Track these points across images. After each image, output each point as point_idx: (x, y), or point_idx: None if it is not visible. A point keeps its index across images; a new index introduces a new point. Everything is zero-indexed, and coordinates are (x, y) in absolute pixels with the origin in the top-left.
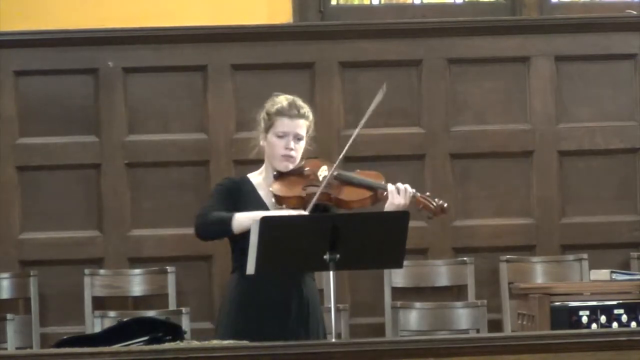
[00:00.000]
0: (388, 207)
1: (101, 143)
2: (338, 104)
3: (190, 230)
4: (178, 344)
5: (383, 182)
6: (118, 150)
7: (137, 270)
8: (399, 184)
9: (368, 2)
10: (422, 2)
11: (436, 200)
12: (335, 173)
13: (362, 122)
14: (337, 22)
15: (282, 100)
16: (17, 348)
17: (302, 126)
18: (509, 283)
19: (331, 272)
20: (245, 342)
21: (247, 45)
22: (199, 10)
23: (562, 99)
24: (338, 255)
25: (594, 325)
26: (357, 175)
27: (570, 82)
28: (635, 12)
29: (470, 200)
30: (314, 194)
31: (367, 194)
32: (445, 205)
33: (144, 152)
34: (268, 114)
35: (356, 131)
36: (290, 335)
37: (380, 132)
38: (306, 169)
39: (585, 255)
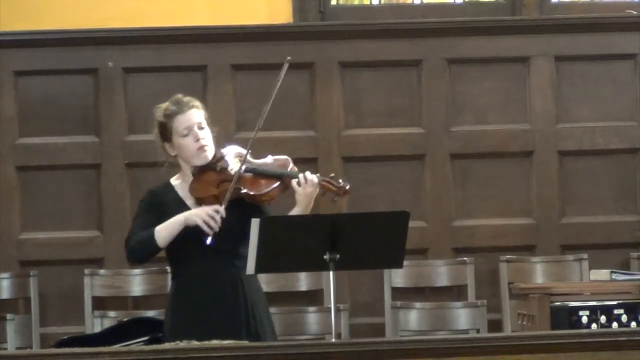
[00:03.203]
0: (299, 196)
1: (101, 143)
2: (338, 104)
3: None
4: (178, 344)
5: (290, 168)
6: (118, 150)
7: (137, 270)
8: (304, 174)
9: (368, 2)
10: (422, 2)
11: (340, 181)
12: (244, 166)
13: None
14: (337, 22)
15: (164, 105)
16: (17, 348)
17: (198, 115)
18: (509, 283)
19: (331, 272)
20: (245, 342)
21: (247, 45)
22: (199, 10)
23: (562, 99)
24: (338, 255)
25: (594, 325)
26: (265, 165)
27: (570, 82)
28: (635, 12)
29: (470, 200)
30: (226, 190)
31: (274, 183)
32: (348, 187)
33: (144, 152)
34: (161, 123)
35: (264, 114)
36: (224, 333)
37: (380, 132)
38: (219, 163)
39: (585, 255)
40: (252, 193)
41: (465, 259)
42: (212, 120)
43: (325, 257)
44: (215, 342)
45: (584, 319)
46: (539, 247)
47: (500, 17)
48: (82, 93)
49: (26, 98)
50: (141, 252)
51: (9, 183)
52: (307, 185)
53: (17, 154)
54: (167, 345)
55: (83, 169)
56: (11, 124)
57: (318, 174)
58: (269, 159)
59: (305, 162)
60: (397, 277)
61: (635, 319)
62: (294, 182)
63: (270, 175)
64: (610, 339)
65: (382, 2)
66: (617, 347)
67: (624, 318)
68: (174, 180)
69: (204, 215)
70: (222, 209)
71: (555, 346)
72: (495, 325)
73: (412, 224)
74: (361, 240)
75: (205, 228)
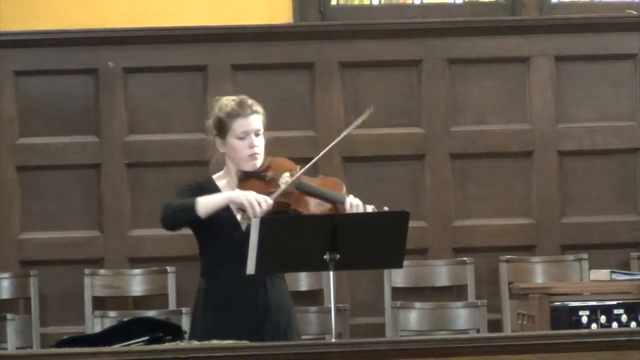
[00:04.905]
0: None
1: (101, 143)
2: (338, 104)
3: (190, 231)
4: (178, 344)
5: (343, 192)
6: (118, 150)
7: (137, 270)
8: (353, 200)
9: (368, 2)
10: (422, 2)
11: None
12: (296, 182)
13: (341, 137)
14: (337, 22)
15: (229, 102)
16: (17, 348)
17: (258, 121)
18: (509, 283)
19: (331, 272)
20: (245, 342)
21: (247, 45)
22: (199, 10)
23: (562, 99)
24: (338, 255)
25: (593, 325)
26: (318, 186)
27: (570, 82)
28: (635, 12)
29: (470, 200)
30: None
31: (327, 207)
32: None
33: (144, 152)
34: (220, 119)
35: (333, 143)
36: (252, 335)
37: (380, 132)
38: (269, 173)
39: (585, 255)
40: (303, 212)
41: (465, 259)
42: (266, 127)
43: (325, 257)
44: (215, 342)
45: (584, 319)
46: (539, 247)
47: (500, 17)
48: (82, 93)
49: (26, 98)
50: (178, 216)
51: (9, 183)
52: (355, 211)
53: (17, 154)
54: (167, 345)
55: (83, 169)
56: (11, 124)
57: (373, 206)
58: (320, 178)
59: (305, 162)
60: (397, 277)
61: (635, 319)
62: (346, 207)
63: (323, 197)
64: (610, 339)
65: (382, 2)
66: (617, 347)
67: (624, 318)
68: (217, 177)
69: (251, 198)
70: (270, 200)
71: (555, 346)
72: (495, 325)
73: (412, 224)
74: (361, 240)
75: (249, 209)
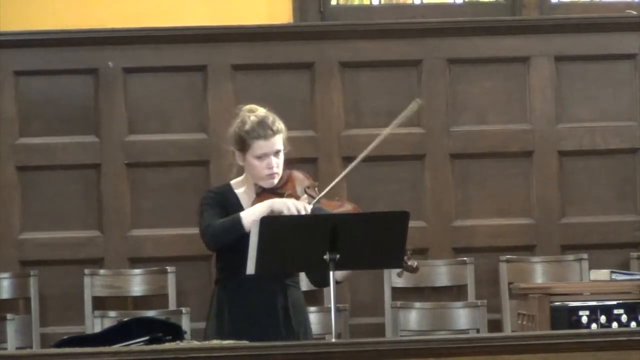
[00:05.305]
0: None
1: (101, 143)
2: (338, 104)
3: (191, 230)
4: (178, 344)
5: None
6: (118, 150)
7: (137, 270)
8: None
9: (368, 2)
10: (422, 2)
11: (413, 262)
12: (313, 206)
13: (374, 143)
14: (337, 22)
15: (252, 120)
16: (17, 348)
17: (279, 142)
18: (509, 283)
19: (331, 272)
20: (245, 342)
21: (247, 45)
22: (199, 10)
23: (562, 99)
24: (338, 255)
25: (593, 325)
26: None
27: (570, 82)
28: (635, 12)
29: (470, 200)
30: None
31: None
32: (416, 265)
33: (144, 152)
34: (241, 137)
35: (364, 153)
36: (271, 339)
37: (380, 132)
38: (287, 191)
39: (585, 255)
40: None
41: (465, 259)
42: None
43: (325, 257)
44: (215, 342)
45: (584, 319)
46: (539, 247)
47: (500, 17)
48: (82, 93)
49: (26, 98)
50: (227, 235)
51: (9, 183)
52: None
53: (17, 154)
54: (167, 345)
55: (83, 169)
56: (11, 124)
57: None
58: (336, 201)
59: (305, 162)
60: (397, 277)
61: (635, 319)
62: None
63: None
64: (610, 339)
65: (382, 2)
66: (617, 347)
67: (624, 318)
68: (235, 184)
69: (291, 206)
70: (310, 208)
71: (555, 346)
72: (495, 325)
73: (412, 224)
74: (361, 240)
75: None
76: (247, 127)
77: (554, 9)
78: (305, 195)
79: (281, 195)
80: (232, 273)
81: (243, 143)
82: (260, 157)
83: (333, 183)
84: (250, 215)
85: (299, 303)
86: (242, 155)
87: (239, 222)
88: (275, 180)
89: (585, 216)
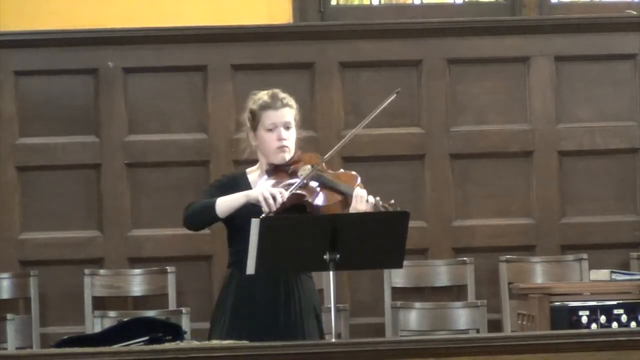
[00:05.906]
0: (351, 210)
1: (101, 143)
2: (338, 104)
3: (191, 231)
4: (178, 344)
5: (356, 185)
6: (118, 150)
7: (137, 270)
8: (359, 191)
9: (368, 2)
10: (422, 2)
11: (398, 210)
12: (313, 174)
13: (363, 123)
14: (337, 22)
15: (263, 95)
16: (17, 348)
17: (289, 114)
18: (509, 283)
19: (331, 272)
20: (245, 342)
21: (247, 45)
22: (199, 10)
23: (562, 99)
24: (338, 255)
25: (593, 325)
26: (332, 178)
27: (570, 82)
28: (635, 12)
29: (470, 200)
30: (291, 193)
31: (336, 198)
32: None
33: (144, 152)
34: (252, 111)
35: (353, 131)
36: (283, 333)
37: (380, 132)
38: (294, 166)
39: (585, 255)
40: (313, 203)
41: (465, 259)
42: (300, 123)
43: (325, 257)
44: (215, 342)
45: (584, 319)
46: (539, 247)
47: (500, 17)
48: (82, 93)
49: (26, 98)
50: (199, 217)
51: (9, 183)
52: (361, 202)
53: (17, 154)
54: (167, 345)
55: (83, 169)
56: (11, 124)
57: (378, 197)
58: (340, 172)
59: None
60: (397, 277)
61: (635, 319)
62: (352, 198)
63: (334, 189)
64: (610, 339)
65: (382, 2)
66: (617, 347)
67: (624, 318)
68: (250, 171)
69: (265, 192)
70: (286, 193)
71: (555, 346)
72: (495, 325)
73: (412, 224)
74: (361, 240)
75: (263, 205)
76: (259, 101)
77: (554, 9)
78: (308, 166)
79: (287, 172)
80: (242, 258)
81: (254, 117)
82: (270, 130)
83: (322, 160)
84: (226, 201)
85: (310, 296)
86: (255, 134)
87: (212, 206)
88: (287, 156)
89: (585, 216)
